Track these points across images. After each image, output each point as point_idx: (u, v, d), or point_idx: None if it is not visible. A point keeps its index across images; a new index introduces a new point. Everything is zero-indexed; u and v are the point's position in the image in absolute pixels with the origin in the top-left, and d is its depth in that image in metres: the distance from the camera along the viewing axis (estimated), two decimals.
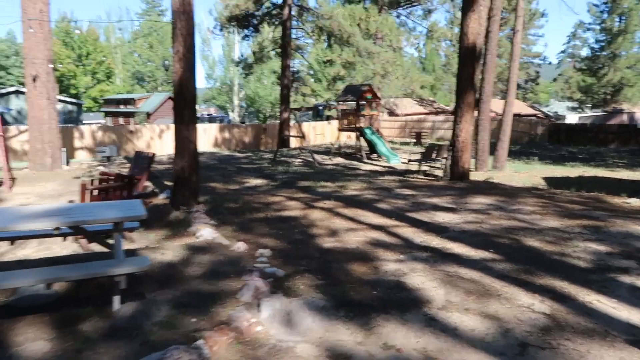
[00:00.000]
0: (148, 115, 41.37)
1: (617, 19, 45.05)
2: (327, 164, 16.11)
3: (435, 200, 8.43)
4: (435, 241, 5.66)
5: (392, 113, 38.13)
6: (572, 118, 36.13)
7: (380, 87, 31.46)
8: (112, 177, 6.77)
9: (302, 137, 16.54)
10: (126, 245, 5.19)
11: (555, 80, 57.74)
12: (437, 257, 5.04)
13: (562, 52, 61.01)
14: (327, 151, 19.81)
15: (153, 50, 69.89)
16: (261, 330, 3.36)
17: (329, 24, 24.46)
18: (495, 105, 24.86)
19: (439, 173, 12.76)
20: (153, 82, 71.01)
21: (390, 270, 4.62)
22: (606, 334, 3.29)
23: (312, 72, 44.68)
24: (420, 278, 4.39)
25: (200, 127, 23.95)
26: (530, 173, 12.95)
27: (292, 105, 27.82)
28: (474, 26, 10.44)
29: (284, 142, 24.63)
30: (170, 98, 43.69)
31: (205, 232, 5.81)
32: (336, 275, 4.46)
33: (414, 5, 24.36)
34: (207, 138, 23.58)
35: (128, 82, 67.98)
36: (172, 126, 7.84)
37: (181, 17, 6.93)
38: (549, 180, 11.25)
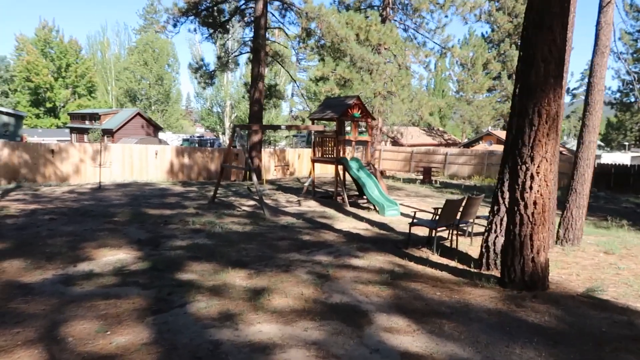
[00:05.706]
0: (111, 132, 35.50)
1: None
2: (287, 213, 10.20)
3: None
4: None
5: (395, 142, 32.29)
6: (615, 157, 29.25)
7: (382, 110, 25.74)
8: None
9: (250, 169, 10.66)
10: None
11: (568, 117, 51.23)
12: None
13: (575, 88, 54.75)
14: (302, 189, 13.94)
15: (147, 68, 65.49)
16: None
17: (316, 24, 18.99)
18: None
19: (471, 251, 6.76)
20: (146, 101, 66.24)
21: None
22: None
23: (311, 93, 39.21)
24: None
25: (151, 148, 18.20)
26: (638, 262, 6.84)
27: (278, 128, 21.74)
28: None
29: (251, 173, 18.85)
30: (138, 114, 37.88)
31: None
32: None
33: None
34: (159, 164, 17.67)
35: (121, 99, 62.97)
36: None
37: None
38: None
